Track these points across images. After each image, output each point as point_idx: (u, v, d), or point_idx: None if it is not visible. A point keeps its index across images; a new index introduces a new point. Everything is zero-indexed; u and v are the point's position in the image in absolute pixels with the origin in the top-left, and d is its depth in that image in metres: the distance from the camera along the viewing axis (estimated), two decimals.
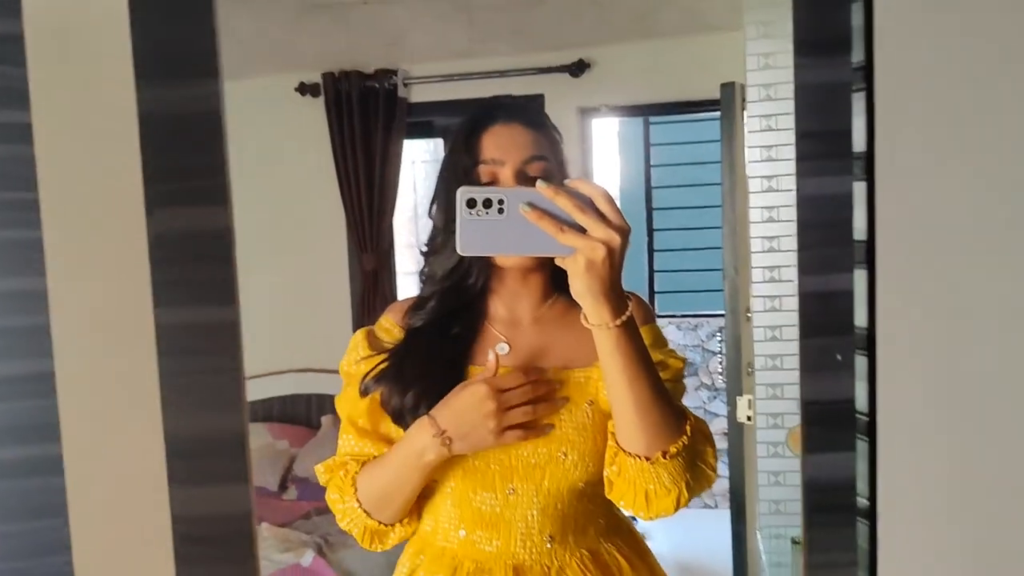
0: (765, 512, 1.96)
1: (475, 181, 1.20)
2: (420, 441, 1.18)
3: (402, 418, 1.24)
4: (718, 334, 5.12)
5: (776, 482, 2.01)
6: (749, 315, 3.22)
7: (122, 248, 0.70)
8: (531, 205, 0.96)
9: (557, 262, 1.01)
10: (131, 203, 0.68)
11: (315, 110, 3.95)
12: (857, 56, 0.64)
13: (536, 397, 1.21)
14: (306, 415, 4.09)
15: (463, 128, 1.26)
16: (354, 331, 1.39)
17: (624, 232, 0.98)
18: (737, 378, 3.26)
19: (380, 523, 1.27)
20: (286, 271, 4.12)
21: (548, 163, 1.22)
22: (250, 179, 4.11)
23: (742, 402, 3.23)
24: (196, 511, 0.66)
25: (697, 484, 1.17)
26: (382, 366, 1.27)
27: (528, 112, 1.28)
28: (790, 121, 2.07)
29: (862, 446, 0.65)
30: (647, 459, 1.12)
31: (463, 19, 3.81)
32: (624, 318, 1.04)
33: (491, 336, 1.29)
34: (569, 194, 0.96)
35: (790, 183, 1.99)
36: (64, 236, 0.71)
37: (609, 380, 1.10)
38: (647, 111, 4.40)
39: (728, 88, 3.22)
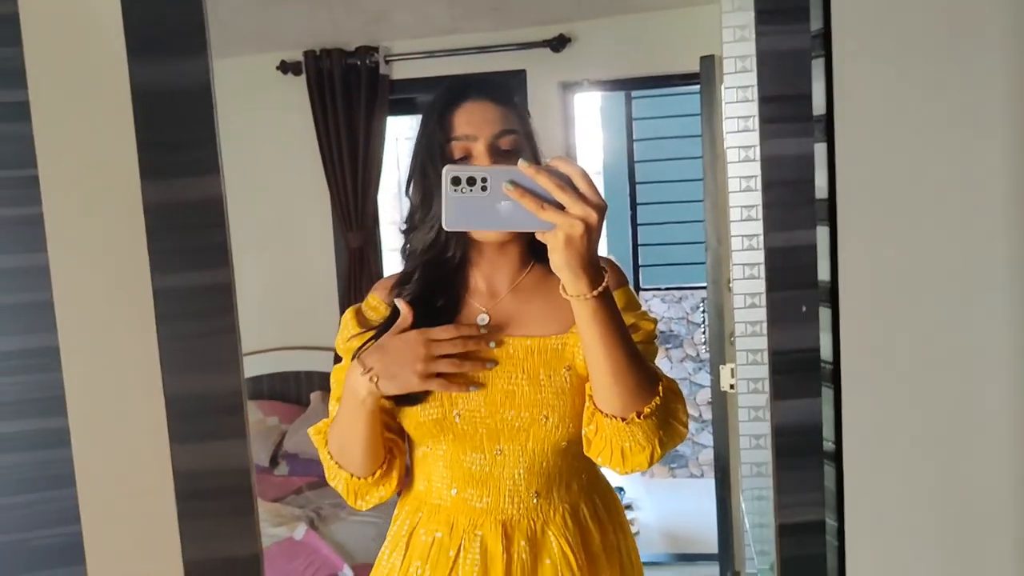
0: (747, 475, 2.01)
1: (449, 157, 1.27)
2: (353, 381, 1.27)
3: None
4: (702, 305, 5.18)
5: (757, 445, 2.06)
6: (731, 285, 3.27)
7: (120, 219, 0.73)
8: (513, 183, 1.01)
9: (538, 236, 1.07)
10: (127, 175, 0.71)
11: (297, 89, 3.95)
12: (816, 23, 0.67)
13: (466, 352, 1.29)
14: (296, 392, 4.12)
15: (435, 106, 1.32)
16: (341, 309, 1.45)
17: (600, 209, 1.03)
18: (720, 348, 3.32)
19: (353, 475, 1.35)
20: (272, 250, 4.14)
21: (518, 135, 1.30)
22: (233, 159, 4.09)
23: (725, 371, 3.28)
24: (197, 467, 0.70)
25: (670, 440, 1.25)
26: (371, 343, 1.33)
27: (497, 89, 1.34)
28: None
29: (827, 393, 0.70)
30: (623, 419, 1.19)
31: None
32: (600, 289, 1.10)
33: (471, 308, 1.37)
34: (549, 173, 1.02)
35: None
36: (64, 211, 0.74)
37: (587, 347, 1.17)
38: (629, 85, 4.42)
39: (708, 61, 3.26)
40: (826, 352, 0.70)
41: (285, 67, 3.99)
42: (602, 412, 1.21)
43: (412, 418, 1.33)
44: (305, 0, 3.96)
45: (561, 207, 1.02)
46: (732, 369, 3.29)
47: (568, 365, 1.32)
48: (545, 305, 1.34)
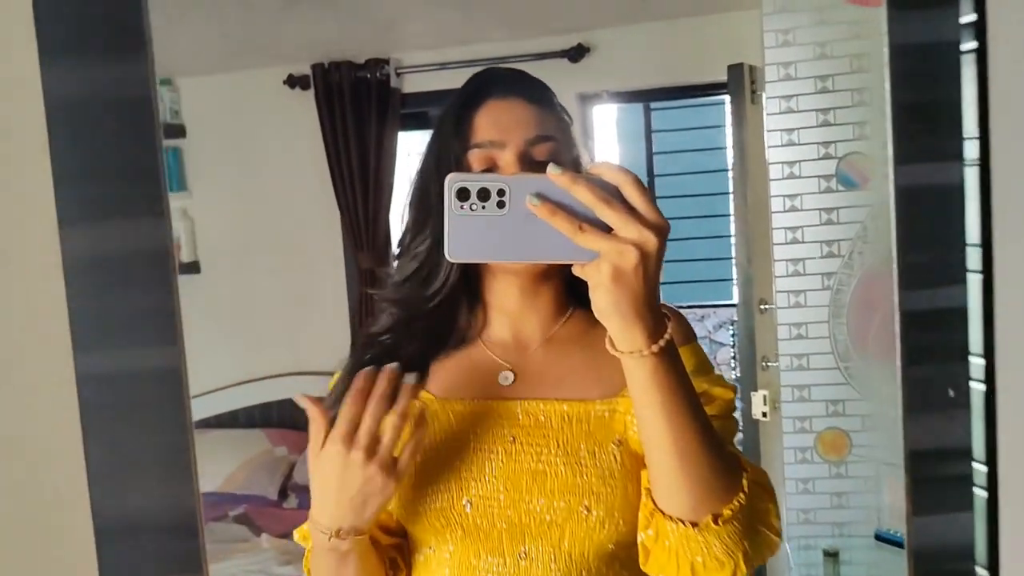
0: (794, 522, 1.82)
1: (467, 169, 1.00)
2: (317, 543, 0.95)
3: None
4: (727, 325, 4.98)
5: (805, 490, 1.88)
6: (763, 308, 3.09)
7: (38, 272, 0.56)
8: (540, 196, 0.76)
9: (575, 271, 0.80)
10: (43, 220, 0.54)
11: (305, 103, 3.80)
12: (967, 9, 0.50)
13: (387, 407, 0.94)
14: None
15: (451, 106, 1.05)
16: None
17: (662, 231, 0.76)
18: (752, 373, 3.13)
19: None
20: (281, 272, 3.99)
21: (557, 144, 1.01)
22: (240, 178, 3.98)
23: (757, 397, 3.10)
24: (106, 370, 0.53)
25: (757, 553, 0.93)
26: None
27: (530, 85, 1.06)
28: (812, 102, 1.95)
29: (980, 503, 0.52)
30: (693, 525, 0.87)
31: (458, 4, 3.66)
32: (663, 343, 0.81)
33: (490, 362, 1.07)
34: (590, 182, 0.76)
35: (813, 168, 1.85)
36: None
37: (643, 422, 0.87)
38: (649, 96, 4.26)
39: (736, 70, 3.08)
40: (979, 451, 0.53)
41: (292, 81, 3.85)
42: (665, 513, 0.89)
43: (408, 508, 1.01)
44: (312, 10, 3.82)
45: (607, 229, 0.76)
46: (765, 396, 3.11)
47: (618, 439, 1.00)
48: (589, 360, 1.04)
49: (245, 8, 3.89)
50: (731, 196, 5.28)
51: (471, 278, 1.06)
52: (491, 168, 0.99)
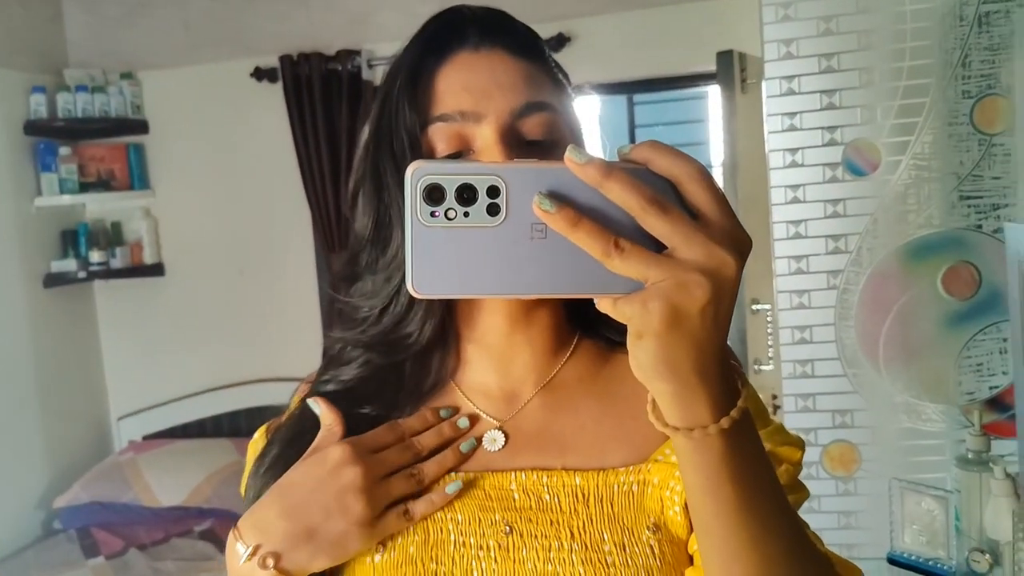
0: None
1: (427, 152, 0.73)
2: (234, 570, 0.73)
3: None
4: None
5: (810, 509, 1.72)
6: (755, 308, 2.94)
7: None
8: (555, 198, 0.51)
9: (603, 307, 0.53)
10: None
11: (273, 97, 3.63)
12: None
13: (423, 450, 0.76)
14: None
15: (404, 59, 0.76)
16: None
17: (743, 250, 0.51)
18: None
19: None
20: (249, 273, 3.82)
21: (556, 116, 0.74)
22: (206, 175, 3.81)
23: None
24: None
25: None
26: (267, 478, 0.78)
27: (515, 30, 0.78)
28: (816, 82, 1.80)
29: None
30: None
31: None
32: (736, 414, 0.54)
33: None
34: (631, 175, 0.50)
35: (817, 156, 1.70)
36: None
37: (706, 525, 0.59)
38: (633, 88, 4.10)
39: (725, 57, 2.94)
40: None
41: (260, 74, 3.68)
42: None
43: None
44: (280, 0, 3.65)
45: (657, 247, 0.51)
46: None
47: (654, 522, 0.73)
48: (604, 411, 0.79)
49: (210, 0, 3.73)
50: None
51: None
52: (464, 152, 0.72)
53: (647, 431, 0.63)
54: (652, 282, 0.50)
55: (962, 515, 1.53)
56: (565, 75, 0.80)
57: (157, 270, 3.85)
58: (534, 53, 0.76)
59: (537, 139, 0.72)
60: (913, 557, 1.62)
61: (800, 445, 0.79)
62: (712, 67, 2.98)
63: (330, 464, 0.72)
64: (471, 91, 0.72)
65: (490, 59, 0.74)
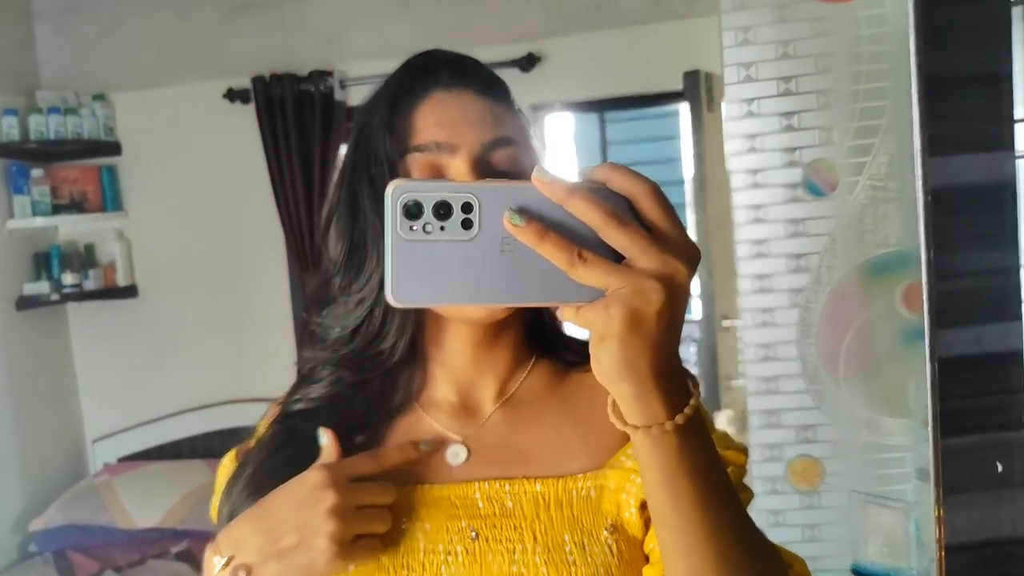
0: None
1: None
2: None
3: None
4: (686, 342, 4.89)
5: (776, 523, 1.75)
6: (725, 324, 2.99)
7: None
8: (524, 213, 0.56)
9: (564, 315, 0.59)
10: None
11: (246, 118, 3.64)
12: None
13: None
14: None
15: (383, 96, 0.82)
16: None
17: (693, 259, 0.57)
18: (714, 391, 3.02)
19: None
20: (223, 294, 3.82)
21: (520, 151, 0.80)
22: (179, 196, 3.80)
23: (720, 417, 3.00)
24: None
25: None
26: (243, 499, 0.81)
27: (485, 74, 0.84)
28: (775, 105, 1.84)
29: None
30: None
31: (405, 14, 3.54)
32: (689, 411, 0.60)
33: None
34: (592, 193, 0.56)
35: (778, 177, 1.74)
36: None
37: (663, 519, 0.64)
38: (603, 106, 4.14)
39: (692, 77, 2.99)
40: None
41: (232, 95, 3.69)
42: None
43: None
44: (253, 21, 3.67)
45: (616, 257, 0.56)
46: (728, 415, 3.01)
47: (612, 524, 0.79)
48: (561, 423, 0.84)
49: (182, 19, 3.73)
50: (686, 208, 5.22)
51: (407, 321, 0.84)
52: (438, 178, 0.78)
53: (602, 441, 0.70)
54: (612, 289, 0.55)
55: (923, 526, 1.56)
56: (525, 115, 0.86)
57: (131, 292, 3.84)
58: (499, 94, 0.83)
59: (504, 170, 0.78)
60: (876, 567, 1.66)
61: (744, 451, 0.85)
62: (680, 86, 3.03)
63: (308, 486, 0.75)
64: (444, 126, 0.78)
65: (461, 98, 0.80)
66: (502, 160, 0.78)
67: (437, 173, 0.78)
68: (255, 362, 3.76)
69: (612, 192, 0.56)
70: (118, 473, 3.65)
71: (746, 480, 0.86)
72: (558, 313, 0.59)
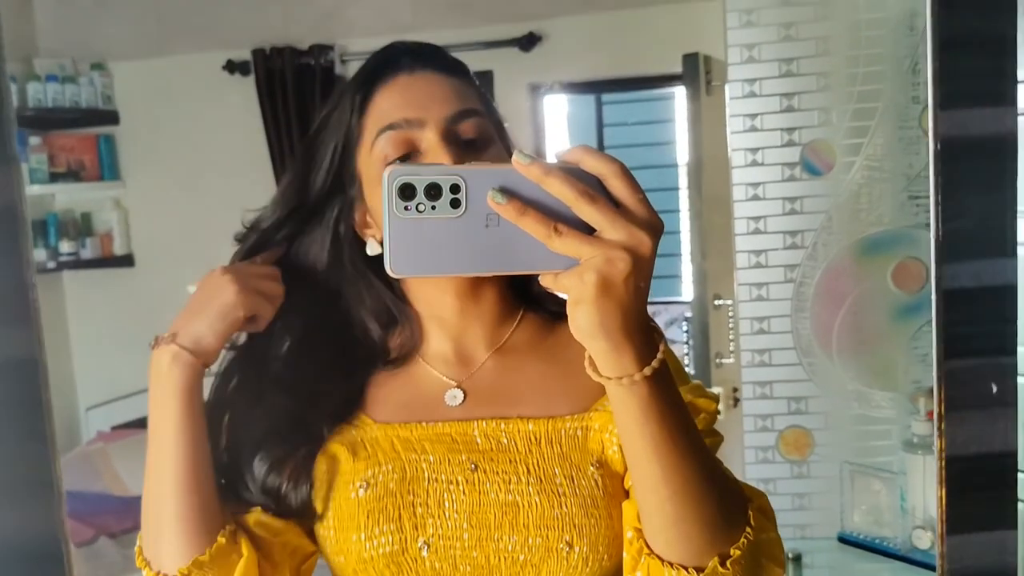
0: None
1: (376, 160, 0.88)
2: (153, 367, 0.90)
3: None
4: (680, 322, 4.94)
5: (766, 491, 1.80)
6: (717, 303, 3.03)
7: None
8: (505, 192, 0.62)
9: (545, 282, 0.67)
10: None
11: (245, 90, 3.65)
12: None
13: None
14: None
15: (352, 84, 0.91)
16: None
17: (656, 230, 0.64)
18: (706, 369, 3.07)
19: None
20: (216, 264, 3.83)
21: (483, 120, 0.89)
22: (176, 167, 3.82)
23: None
24: None
25: None
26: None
27: (444, 57, 0.93)
28: (776, 86, 1.89)
29: None
30: (698, 570, 0.74)
31: None
32: (656, 363, 0.67)
33: (434, 381, 0.94)
34: (566, 173, 0.62)
35: (776, 156, 1.78)
36: None
37: (635, 459, 0.73)
38: (603, 87, 4.18)
39: (691, 59, 3.02)
40: None
41: (232, 67, 3.69)
42: (661, 558, 0.75)
43: (352, 552, 0.86)
44: None
45: (588, 230, 0.63)
46: (719, 393, 3.06)
47: (597, 460, 0.88)
48: (549, 371, 0.93)
49: None
50: (680, 191, 5.26)
51: (394, 284, 0.94)
52: (411, 153, 0.86)
53: (588, 386, 0.77)
54: (585, 258, 0.63)
55: (907, 495, 1.62)
56: (485, 90, 0.95)
57: (127, 261, 3.86)
58: (459, 72, 0.92)
59: (471, 138, 0.87)
60: (862, 536, 1.71)
61: (715, 399, 0.93)
62: (678, 69, 3.06)
63: (215, 273, 0.90)
64: (411, 104, 0.87)
65: (424, 79, 0.89)
66: (468, 129, 0.87)
67: (411, 147, 0.86)
68: None
69: (585, 172, 0.64)
70: (112, 441, 3.68)
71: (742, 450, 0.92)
72: (539, 279, 0.67)
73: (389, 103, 0.87)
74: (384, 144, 0.86)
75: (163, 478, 0.87)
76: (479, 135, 0.87)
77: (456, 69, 0.91)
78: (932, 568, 1.61)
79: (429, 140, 0.85)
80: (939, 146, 0.40)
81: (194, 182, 3.81)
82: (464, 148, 0.86)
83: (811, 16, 1.73)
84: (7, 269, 0.38)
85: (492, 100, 0.95)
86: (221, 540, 0.84)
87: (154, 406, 0.89)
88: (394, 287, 0.95)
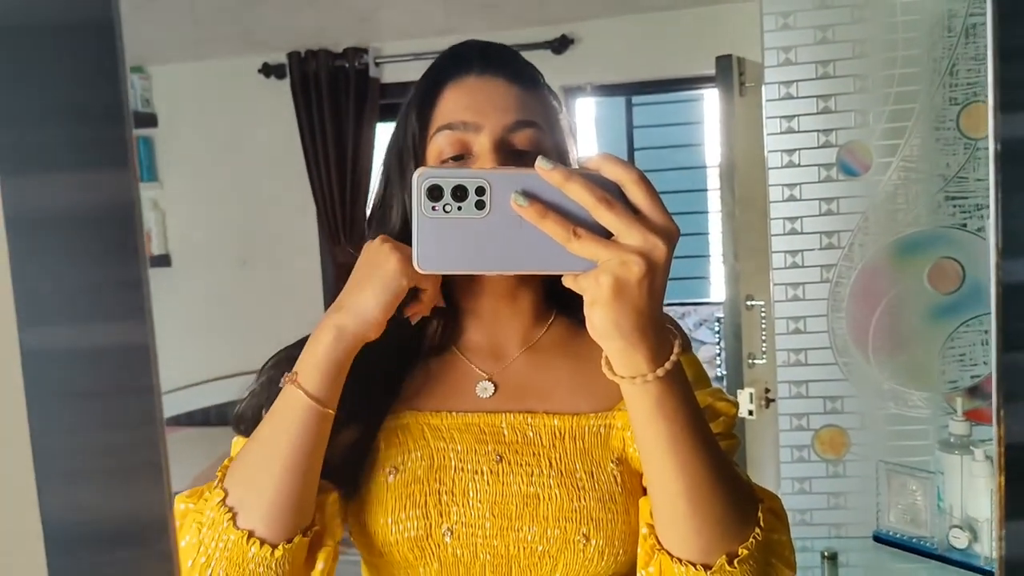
0: (790, 523, 1.76)
1: (436, 155, 0.89)
2: (315, 336, 0.84)
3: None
4: (710, 323, 4.94)
5: (801, 490, 1.81)
6: (749, 304, 3.04)
7: None
8: (528, 195, 0.65)
9: (566, 282, 0.69)
10: None
11: (281, 93, 3.71)
12: None
13: None
14: None
15: (422, 81, 0.93)
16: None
17: (671, 236, 0.66)
18: (738, 370, 3.08)
19: (251, 535, 0.80)
20: (254, 266, 3.90)
21: (541, 132, 0.88)
22: (212, 168, 3.89)
23: (743, 395, 3.05)
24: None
25: None
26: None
27: (516, 62, 0.93)
28: (812, 88, 1.90)
29: None
30: (706, 567, 0.76)
31: None
32: (669, 365, 0.70)
33: (467, 372, 0.96)
34: (586, 179, 0.65)
35: (812, 157, 1.80)
36: None
37: (648, 456, 0.76)
38: (635, 89, 4.20)
39: (725, 61, 3.03)
40: None
41: (268, 70, 3.76)
42: (671, 554, 0.78)
43: (379, 535, 0.88)
44: None
45: (606, 234, 0.65)
46: (751, 393, 3.06)
47: (618, 457, 0.90)
48: (576, 371, 0.95)
49: None
50: (709, 193, 5.26)
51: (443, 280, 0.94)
52: (464, 154, 0.87)
53: (611, 386, 0.76)
54: (602, 261, 0.65)
55: (944, 495, 1.63)
56: (557, 98, 0.96)
57: (164, 261, 3.93)
58: (529, 81, 0.91)
59: (524, 149, 0.87)
60: (898, 535, 1.72)
61: (735, 404, 0.95)
62: (710, 71, 3.07)
63: (375, 243, 0.82)
64: (471, 108, 0.88)
65: (491, 84, 0.89)
66: (523, 140, 0.87)
67: (465, 149, 0.88)
68: (285, 333, 3.80)
69: (604, 178, 0.66)
70: None
71: (772, 446, 0.94)
72: (562, 280, 0.69)
73: (454, 103, 0.89)
74: (440, 141, 0.88)
75: (275, 458, 0.81)
76: (533, 147, 0.87)
77: (523, 76, 0.91)
78: (969, 568, 1.62)
79: (482, 145, 0.86)
80: (998, 146, 0.42)
81: (230, 183, 3.88)
82: (515, 158, 0.86)
83: (848, 18, 1.74)
84: (129, 264, 0.41)
85: (562, 110, 0.95)
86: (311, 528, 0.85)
87: (304, 378, 0.83)
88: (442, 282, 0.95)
